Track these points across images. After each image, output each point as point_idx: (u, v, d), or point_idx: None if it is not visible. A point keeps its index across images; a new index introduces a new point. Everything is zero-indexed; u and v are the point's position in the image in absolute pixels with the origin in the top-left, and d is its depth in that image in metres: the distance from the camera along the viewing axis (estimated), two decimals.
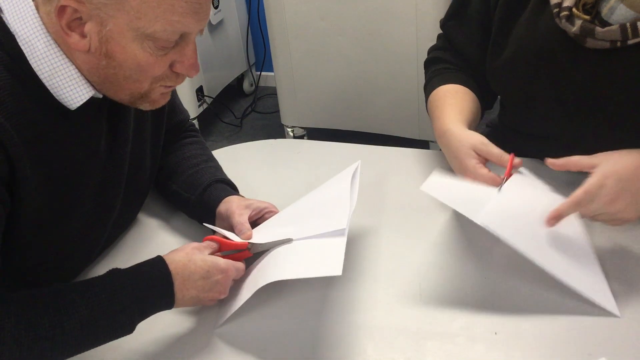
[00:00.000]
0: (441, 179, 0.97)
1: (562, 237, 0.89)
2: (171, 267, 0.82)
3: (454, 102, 1.12)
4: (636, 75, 0.94)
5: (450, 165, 1.06)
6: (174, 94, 1.10)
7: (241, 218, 0.95)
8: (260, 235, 0.93)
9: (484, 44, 1.14)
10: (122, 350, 0.83)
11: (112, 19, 0.73)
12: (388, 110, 2.28)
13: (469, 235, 0.99)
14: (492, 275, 0.91)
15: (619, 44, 0.92)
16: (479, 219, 0.84)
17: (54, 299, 0.75)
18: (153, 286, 0.81)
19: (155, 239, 1.05)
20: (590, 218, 0.88)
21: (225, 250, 0.91)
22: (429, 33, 2.03)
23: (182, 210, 1.08)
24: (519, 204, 0.92)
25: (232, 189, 1.05)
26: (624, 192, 0.84)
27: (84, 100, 0.80)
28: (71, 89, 0.79)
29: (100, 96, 0.84)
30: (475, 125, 1.14)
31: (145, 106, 0.85)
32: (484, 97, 1.19)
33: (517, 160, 0.97)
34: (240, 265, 0.89)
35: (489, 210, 0.88)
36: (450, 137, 1.03)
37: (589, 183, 0.85)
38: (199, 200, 1.02)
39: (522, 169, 0.98)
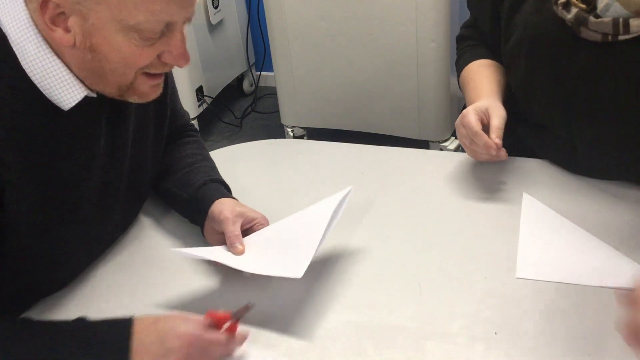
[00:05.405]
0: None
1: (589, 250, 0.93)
2: (136, 327, 0.75)
3: (489, 74, 1.18)
4: (627, 70, 0.95)
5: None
6: (175, 98, 1.10)
7: (234, 227, 0.92)
8: (246, 262, 0.91)
9: (496, 29, 1.17)
10: None
11: (93, 12, 0.72)
12: (388, 110, 2.28)
13: (469, 235, 0.99)
14: (492, 275, 0.91)
15: (610, 37, 0.94)
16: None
17: (10, 342, 0.73)
18: (107, 350, 0.74)
19: (155, 240, 1.05)
20: None
21: (215, 325, 0.79)
22: (429, 33, 2.03)
23: (175, 209, 1.07)
24: (547, 245, 0.95)
25: (226, 190, 1.03)
26: None
27: (77, 101, 0.80)
28: (63, 89, 0.78)
29: (94, 95, 0.83)
30: (505, 97, 1.19)
31: (134, 99, 0.84)
32: None
33: (503, 152, 1.02)
34: (218, 338, 0.77)
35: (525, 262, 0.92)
36: None
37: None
38: (193, 198, 1.00)
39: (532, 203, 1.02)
